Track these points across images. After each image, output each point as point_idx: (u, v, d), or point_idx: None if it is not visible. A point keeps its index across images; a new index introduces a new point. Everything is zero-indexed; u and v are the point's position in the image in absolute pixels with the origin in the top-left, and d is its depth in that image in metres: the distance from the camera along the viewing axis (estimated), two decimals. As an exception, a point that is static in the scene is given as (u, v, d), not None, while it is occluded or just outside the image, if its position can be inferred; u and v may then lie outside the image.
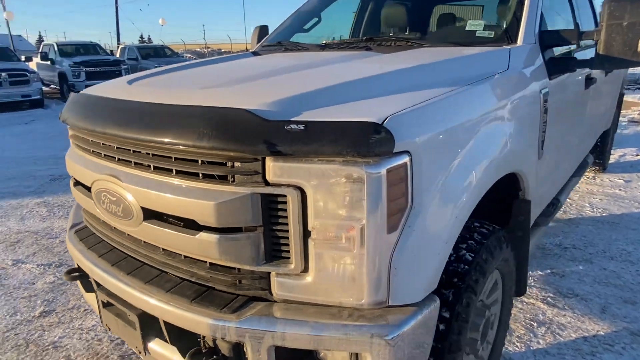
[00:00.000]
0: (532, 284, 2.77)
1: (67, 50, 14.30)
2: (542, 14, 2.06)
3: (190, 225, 1.27)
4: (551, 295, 2.65)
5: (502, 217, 1.92)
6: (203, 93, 1.43)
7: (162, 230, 1.32)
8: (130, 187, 1.36)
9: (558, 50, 2.11)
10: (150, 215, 1.35)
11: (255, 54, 2.47)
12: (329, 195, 1.11)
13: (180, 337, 1.36)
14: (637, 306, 2.54)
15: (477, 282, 1.47)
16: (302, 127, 1.10)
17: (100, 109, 1.48)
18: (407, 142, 1.14)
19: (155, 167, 1.31)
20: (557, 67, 2.00)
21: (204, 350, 1.31)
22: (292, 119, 1.14)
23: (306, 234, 1.17)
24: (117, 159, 1.43)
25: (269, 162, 1.13)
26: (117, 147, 1.42)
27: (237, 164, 1.18)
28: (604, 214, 3.89)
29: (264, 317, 1.21)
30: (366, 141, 1.06)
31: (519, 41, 1.93)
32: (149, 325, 1.43)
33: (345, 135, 1.07)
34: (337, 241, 1.14)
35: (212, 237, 1.22)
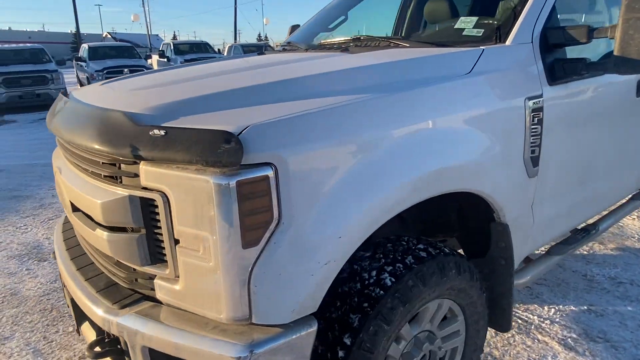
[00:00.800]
0: (558, 319, 2.40)
1: (181, 48, 15.79)
2: (553, 9, 1.76)
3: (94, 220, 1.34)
4: (574, 336, 2.26)
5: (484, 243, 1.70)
6: (119, 95, 1.50)
7: (79, 222, 1.42)
8: (63, 180, 1.48)
9: (574, 51, 1.78)
10: (75, 208, 1.46)
11: (260, 54, 2.49)
12: (186, 203, 1.09)
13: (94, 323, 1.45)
14: (684, 366, 2.06)
15: (392, 310, 1.32)
16: (163, 133, 1.09)
17: (58, 107, 1.62)
18: (270, 153, 1.06)
19: (74, 163, 1.41)
20: (562, 71, 1.69)
21: (106, 340, 1.38)
22: (162, 124, 1.14)
23: (176, 240, 1.16)
24: (62, 153, 1.57)
25: (142, 166, 1.15)
26: (60, 142, 1.55)
27: (122, 166, 1.22)
28: (692, 247, 3.20)
29: (142, 317, 1.24)
30: (215, 151, 1.02)
31: (508, 41, 1.66)
32: (80, 309, 1.55)
33: (198, 144, 1.04)
34: (197, 252, 1.12)
35: (104, 234, 1.27)
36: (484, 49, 1.58)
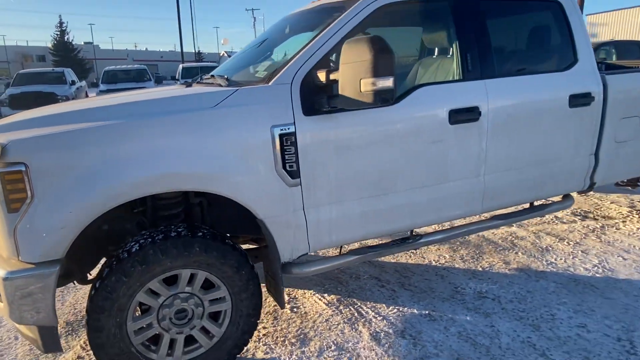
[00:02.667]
0: (390, 317, 2.72)
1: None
2: (324, 58, 2.20)
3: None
4: (389, 331, 2.59)
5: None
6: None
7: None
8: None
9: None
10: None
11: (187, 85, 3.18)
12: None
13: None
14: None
15: (132, 268, 1.94)
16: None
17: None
18: (23, 156, 1.77)
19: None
20: (313, 106, 2.14)
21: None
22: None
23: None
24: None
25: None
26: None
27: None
28: (595, 274, 3.17)
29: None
30: None
31: (271, 82, 2.17)
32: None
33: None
34: (-4, 211, 1.87)
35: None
36: (237, 89, 2.12)
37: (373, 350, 2.43)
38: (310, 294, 3.05)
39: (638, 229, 3.97)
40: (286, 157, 2.14)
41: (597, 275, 3.18)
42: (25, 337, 2.03)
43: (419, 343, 2.48)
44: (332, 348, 2.46)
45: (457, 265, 3.40)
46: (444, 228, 2.90)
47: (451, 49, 2.67)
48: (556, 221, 4.25)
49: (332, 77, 2.06)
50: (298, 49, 2.27)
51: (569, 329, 2.56)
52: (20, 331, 2.02)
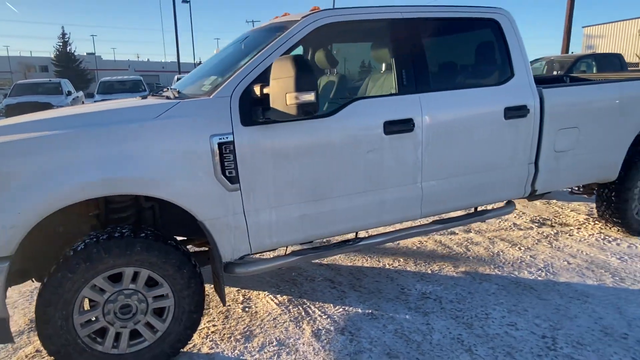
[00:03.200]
0: (335, 316, 2.88)
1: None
2: (264, 74, 2.40)
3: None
4: (331, 328, 2.75)
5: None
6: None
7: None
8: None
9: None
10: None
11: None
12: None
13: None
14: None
15: (76, 265, 2.12)
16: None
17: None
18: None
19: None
20: (250, 117, 2.34)
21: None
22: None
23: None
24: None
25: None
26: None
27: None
28: (537, 277, 3.33)
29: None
30: None
31: (212, 95, 2.37)
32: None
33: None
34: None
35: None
36: (179, 101, 2.32)
37: (311, 345, 2.59)
38: (265, 294, 3.22)
39: (590, 235, 4.14)
40: (225, 164, 2.32)
41: (539, 278, 3.34)
42: (-20, 329, 2.21)
43: (355, 339, 2.65)
44: (274, 344, 2.63)
45: (408, 268, 3.56)
46: (386, 231, 3.06)
47: (390, 65, 2.87)
48: (514, 228, 4.42)
49: (265, 91, 2.26)
50: (240, 65, 2.47)
51: (499, 327, 2.72)
52: (-25, 323, 2.20)
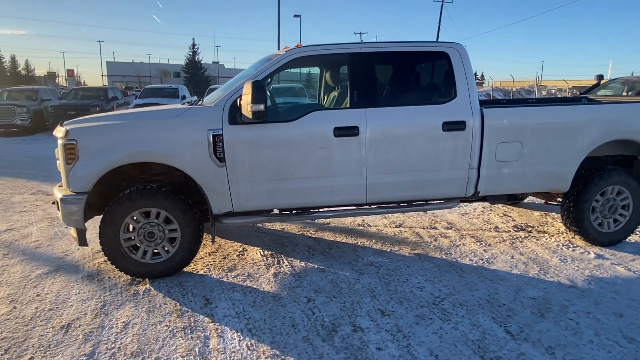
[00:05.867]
0: (297, 266, 3.96)
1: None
2: (240, 87, 3.60)
3: None
4: (280, 272, 3.84)
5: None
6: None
7: None
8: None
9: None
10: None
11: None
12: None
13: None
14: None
15: (118, 205, 3.52)
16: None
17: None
18: (74, 137, 3.47)
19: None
20: (235, 119, 3.55)
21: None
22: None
23: (63, 163, 3.67)
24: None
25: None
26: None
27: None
28: (473, 264, 4.01)
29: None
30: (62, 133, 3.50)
31: (213, 104, 3.62)
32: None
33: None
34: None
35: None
36: (191, 107, 3.63)
37: (268, 279, 3.72)
38: (257, 249, 4.41)
39: (557, 242, 4.60)
40: (217, 148, 3.57)
41: (474, 264, 4.05)
42: (71, 235, 3.74)
43: (300, 280, 3.71)
44: (245, 275, 3.81)
45: (374, 247, 4.48)
46: (339, 209, 4.06)
47: (346, 86, 3.89)
48: (492, 230, 5.03)
49: (240, 102, 3.47)
50: (235, 85, 3.73)
51: (408, 288, 3.57)
52: (70, 232, 3.73)
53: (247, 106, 3.32)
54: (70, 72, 72.60)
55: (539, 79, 40.09)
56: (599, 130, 4.14)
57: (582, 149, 4.15)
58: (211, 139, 3.56)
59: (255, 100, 3.25)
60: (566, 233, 4.84)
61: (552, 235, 4.79)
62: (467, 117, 3.89)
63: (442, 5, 41.32)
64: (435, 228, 5.07)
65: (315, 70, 5.05)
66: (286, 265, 4.00)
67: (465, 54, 4.00)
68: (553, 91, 35.40)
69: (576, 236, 4.59)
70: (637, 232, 4.81)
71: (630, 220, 4.44)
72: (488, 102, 5.68)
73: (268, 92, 4.12)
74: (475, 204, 5.94)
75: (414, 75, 4.13)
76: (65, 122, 3.72)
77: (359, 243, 4.60)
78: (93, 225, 4.16)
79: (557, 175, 4.17)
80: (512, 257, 4.20)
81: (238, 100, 3.55)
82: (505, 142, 4.00)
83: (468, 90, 3.94)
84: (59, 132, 3.57)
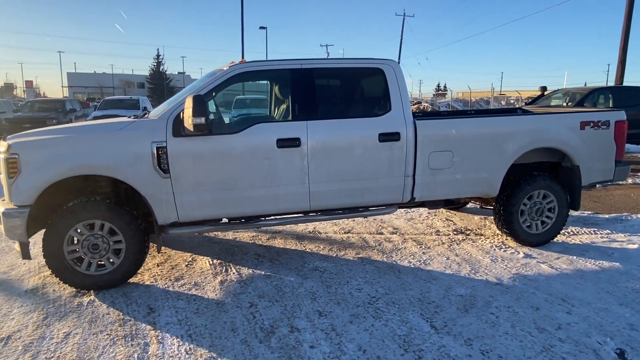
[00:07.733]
0: (244, 274, 4.09)
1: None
2: (183, 101, 3.74)
3: None
4: (226, 279, 3.97)
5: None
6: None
7: None
8: None
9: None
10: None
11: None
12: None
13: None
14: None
15: (62, 218, 3.58)
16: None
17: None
18: (16, 151, 3.51)
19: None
20: (179, 131, 3.68)
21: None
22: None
23: (6, 177, 3.70)
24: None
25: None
26: None
27: None
28: (411, 265, 4.26)
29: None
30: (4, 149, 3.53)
31: (156, 118, 3.75)
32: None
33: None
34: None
35: (1, 175, 3.90)
36: (135, 120, 3.74)
37: (214, 287, 3.84)
38: (206, 258, 4.52)
39: (491, 243, 4.93)
40: (160, 160, 3.69)
41: (411, 266, 4.30)
42: (16, 249, 3.75)
43: (245, 287, 3.85)
44: (192, 284, 3.91)
45: (321, 252, 4.67)
46: (285, 217, 4.24)
47: (288, 100, 4.09)
48: (433, 233, 5.32)
49: (182, 115, 3.61)
50: (179, 98, 3.87)
51: (348, 290, 3.77)
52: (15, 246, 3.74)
53: (188, 119, 3.47)
54: (28, 84, 70.26)
55: (498, 90, 41.85)
56: (523, 139, 4.50)
57: (508, 157, 4.49)
58: (155, 151, 3.67)
59: (196, 113, 3.40)
60: (500, 235, 5.19)
61: (488, 238, 5.12)
62: (401, 129, 4.17)
63: (403, 19, 42.63)
64: (382, 233, 5.32)
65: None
66: (233, 273, 4.13)
67: (399, 70, 4.29)
68: (512, 101, 37.00)
69: (508, 238, 4.93)
70: (564, 233, 5.20)
71: (556, 221, 4.81)
72: (428, 114, 6.02)
73: (214, 105, 4.28)
74: (421, 210, 6.25)
75: (352, 90, 4.38)
76: (8, 137, 3.75)
77: (307, 249, 4.78)
78: (40, 239, 4.17)
79: (486, 181, 4.50)
80: (448, 259, 4.48)
81: (181, 114, 3.68)
82: (438, 151, 4.29)
83: (402, 104, 4.22)
84: (1, 146, 3.61)
